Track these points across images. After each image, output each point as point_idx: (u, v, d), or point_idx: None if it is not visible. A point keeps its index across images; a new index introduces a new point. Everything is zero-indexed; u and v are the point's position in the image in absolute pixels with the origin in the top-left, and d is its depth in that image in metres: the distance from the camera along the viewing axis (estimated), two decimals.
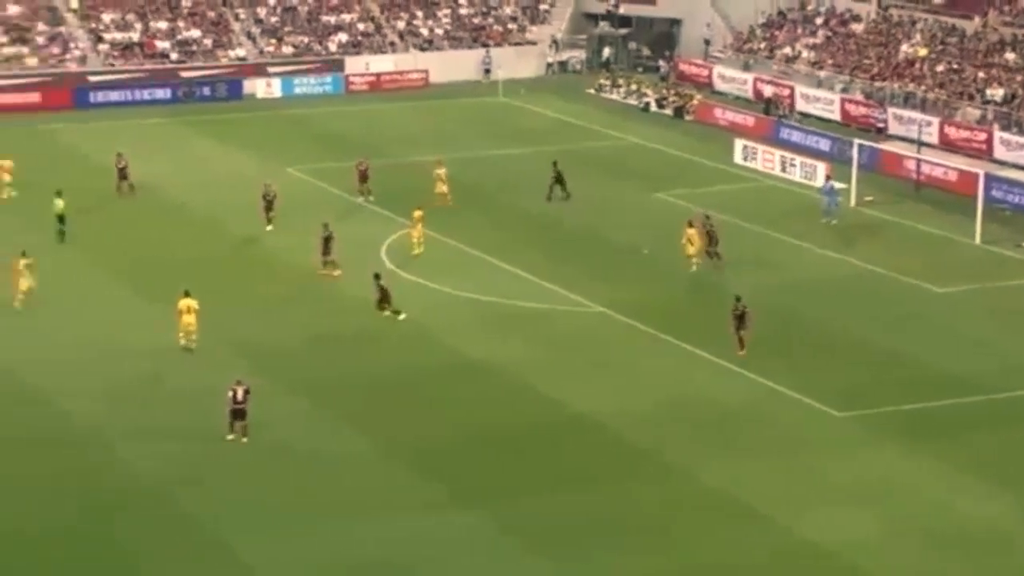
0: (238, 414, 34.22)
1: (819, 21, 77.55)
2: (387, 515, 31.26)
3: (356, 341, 41.20)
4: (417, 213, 48.71)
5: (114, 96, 72.35)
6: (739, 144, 63.50)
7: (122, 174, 55.05)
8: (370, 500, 32.00)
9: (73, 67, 73.43)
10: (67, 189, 51.14)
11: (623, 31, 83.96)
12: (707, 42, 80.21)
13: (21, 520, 30.88)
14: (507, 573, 29.27)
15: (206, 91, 73.97)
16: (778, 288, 46.45)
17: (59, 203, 49.74)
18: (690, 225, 47.65)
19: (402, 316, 42.30)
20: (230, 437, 34.28)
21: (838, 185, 55.24)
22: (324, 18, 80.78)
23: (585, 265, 48.45)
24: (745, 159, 62.57)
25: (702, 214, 49.11)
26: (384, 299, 42.39)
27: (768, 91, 72.06)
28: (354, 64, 77.95)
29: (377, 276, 42.96)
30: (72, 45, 74.83)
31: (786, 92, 71.59)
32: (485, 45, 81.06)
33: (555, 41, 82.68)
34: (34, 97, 71.09)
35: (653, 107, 73.57)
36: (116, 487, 32.39)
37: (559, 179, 55.36)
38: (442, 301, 44.71)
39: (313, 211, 52.97)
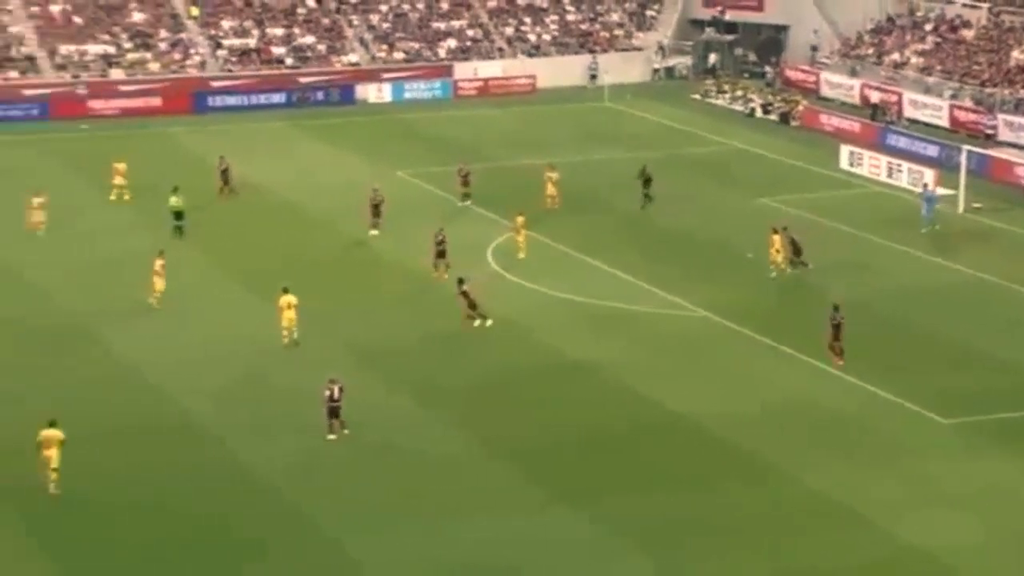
0: (334, 412, 34.44)
1: (928, 27, 76.42)
2: (490, 515, 31.36)
3: (461, 342, 41.36)
4: (520, 219, 48.79)
5: (231, 101, 73.48)
6: (845, 150, 62.77)
7: (224, 177, 55.53)
8: (473, 500, 32.09)
9: (193, 72, 74.66)
10: (182, 190, 51.93)
11: (729, 37, 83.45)
12: (814, 48, 79.43)
13: (140, 507, 31.51)
14: (610, 574, 29.20)
15: (319, 96, 74.78)
16: (883, 294, 45.90)
17: (175, 200, 50.54)
18: (775, 232, 47.19)
19: (489, 322, 42.10)
20: (331, 437, 34.58)
21: (940, 192, 54.42)
22: (434, 24, 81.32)
23: (687, 269, 48.22)
24: (851, 165, 61.86)
25: (782, 224, 48.32)
26: (471, 305, 41.92)
27: (875, 97, 71.17)
28: (463, 69, 78.35)
29: (460, 281, 42.60)
30: (192, 51, 76.10)
31: (894, 98, 70.65)
32: (592, 51, 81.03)
33: (661, 47, 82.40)
34: (155, 101, 72.41)
35: (758, 113, 73.05)
36: (228, 480, 32.87)
37: (646, 183, 55.02)
38: (546, 303, 44.76)
39: (420, 214, 53.40)
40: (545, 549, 29.96)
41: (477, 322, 41.96)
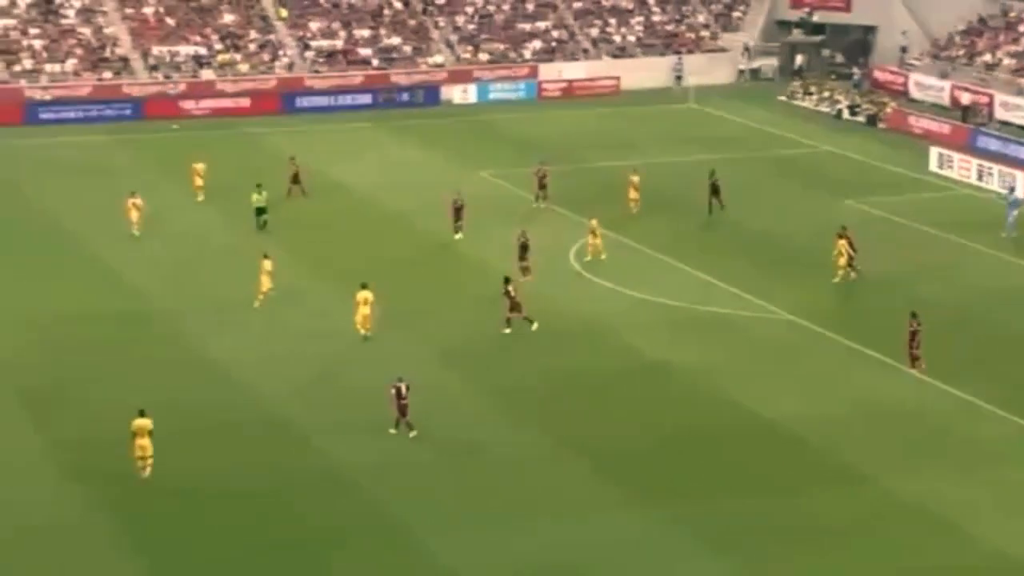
0: (402, 410, 34.23)
1: (1022, 28, 74.73)
2: (566, 515, 31.04)
3: (543, 341, 40.85)
4: (593, 222, 48.15)
5: (318, 101, 73.65)
6: (934, 152, 61.58)
7: (294, 179, 55.29)
8: (549, 500, 31.79)
9: (281, 73, 74.96)
10: (265, 188, 52.09)
11: (817, 38, 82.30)
12: (903, 49, 78.04)
13: (227, 496, 31.56)
14: (679, 570, 28.65)
15: (405, 97, 74.73)
16: (971, 298, 44.89)
17: (257, 197, 50.97)
18: (840, 236, 45.96)
19: (534, 326, 41.14)
20: (392, 431, 34.36)
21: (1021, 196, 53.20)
22: (519, 25, 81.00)
23: (771, 271, 47.51)
24: (940, 167, 60.65)
25: (843, 226, 46.64)
26: (514, 307, 40.98)
27: (966, 98, 69.73)
28: (547, 71, 77.95)
29: (507, 280, 41.68)
30: (281, 52, 76.41)
31: (985, 99, 69.16)
32: (677, 52, 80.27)
33: (747, 48, 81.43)
34: (244, 102, 72.75)
35: (845, 114, 71.90)
36: (307, 473, 32.75)
37: (715, 190, 53.42)
38: (627, 304, 44.20)
39: (503, 214, 53.08)
40: (624, 550, 29.58)
41: (507, 330, 40.93)
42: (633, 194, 54.04)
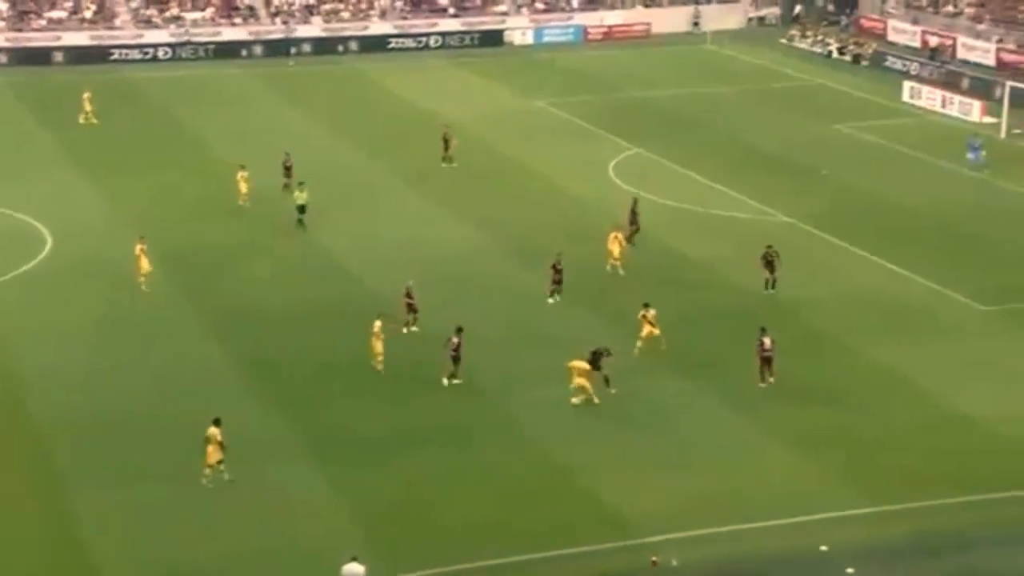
0: (456, 360, 30.88)
1: None
2: (631, 384, 31.50)
3: (595, 242, 40.75)
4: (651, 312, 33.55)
5: (407, 43, 73.37)
6: (907, 85, 60.90)
7: (288, 172, 44.63)
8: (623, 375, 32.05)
9: (375, 19, 74.68)
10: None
11: None
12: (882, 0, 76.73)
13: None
14: (709, 425, 29.15)
15: (476, 38, 74.30)
16: (936, 204, 44.78)
17: (299, 194, 41.67)
18: (614, 228, 38.23)
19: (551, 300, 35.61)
20: (446, 382, 30.90)
21: (986, 120, 52.56)
22: None
23: (775, 182, 47.45)
24: (911, 98, 60.03)
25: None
26: (559, 281, 35.34)
27: (934, 41, 68.69)
28: (591, 18, 77.32)
29: (559, 262, 35.82)
30: (376, 2, 75.98)
31: (949, 42, 68.13)
32: (697, 2, 79.17)
33: None
34: (354, 46, 72.43)
35: (835, 54, 70.98)
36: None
37: (769, 265, 37.02)
38: (653, 207, 44.26)
39: (554, 136, 53.24)
40: (662, 409, 29.96)
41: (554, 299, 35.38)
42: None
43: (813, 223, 42.61)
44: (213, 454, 26.78)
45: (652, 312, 32.35)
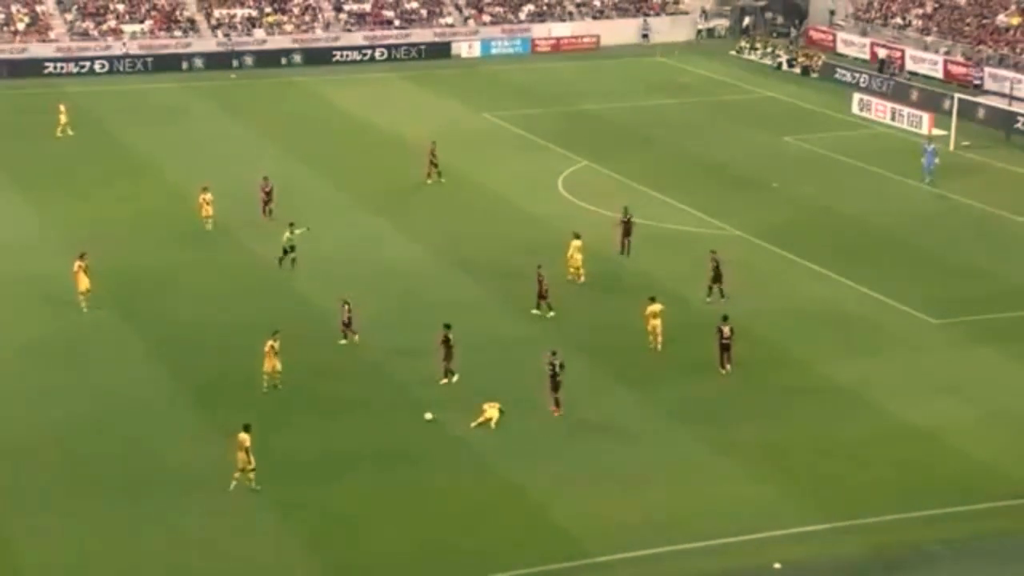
0: (347, 324, 33.46)
1: None
2: (578, 395, 31.46)
3: (538, 256, 40.73)
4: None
5: (350, 55, 73.15)
6: (856, 97, 61.66)
7: (268, 197, 44.00)
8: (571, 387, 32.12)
9: (319, 31, 74.48)
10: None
11: (761, 2, 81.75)
12: (832, 12, 77.70)
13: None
14: (658, 439, 29.22)
15: (422, 51, 74.28)
16: (885, 216, 45.29)
17: (289, 236, 39.63)
18: (576, 237, 38.23)
19: (545, 313, 35.92)
20: (343, 342, 33.47)
21: (935, 132, 53.24)
22: None
23: (724, 196, 47.79)
24: (861, 110, 60.77)
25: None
26: (542, 295, 35.78)
27: (882, 53, 69.65)
28: (539, 30, 77.54)
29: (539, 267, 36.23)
30: (319, 14, 75.79)
31: (898, 54, 69.13)
32: (646, 15, 79.76)
33: (704, 11, 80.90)
34: (292, 57, 72.24)
35: (784, 67, 71.75)
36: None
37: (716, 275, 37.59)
38: (602, 222, 44.32)
39: (502, 149, 53.27)
40: (608, 429, 30.05)
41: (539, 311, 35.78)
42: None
43: (763, 236, 42.93)
44: (243, 460, 26.78)
45: (657, 307, 33.30)
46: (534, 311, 36.03)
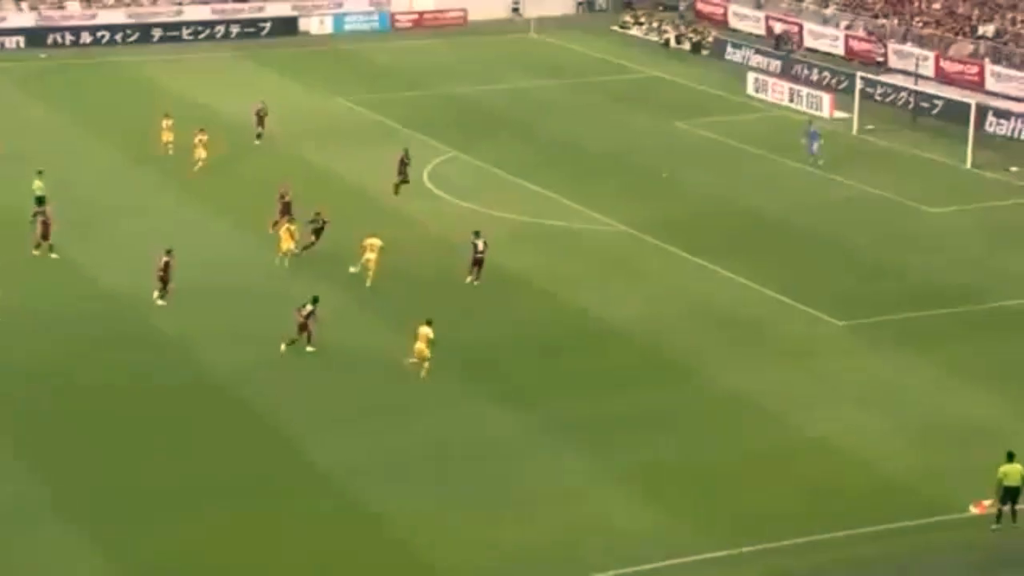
0: (163, 280, 36.55)
1: None
2: (438, 414, 31.45)
3: (400, 255, 40.61)
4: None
5: (185, 33, 72.01)
6: (751, 77, 62.85)
7: (260, 121, 50.92)
8: (423, 400, 32.10)
9: (147, 6, 72.99)
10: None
11: None
12: None
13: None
14: (545, 466, 29.41)
15: (266, 28, 73.37)
16: (784, 208, 46.17)
17: (38, 183, 42.38)
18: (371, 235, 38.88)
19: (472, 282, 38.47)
20: (160, 303, 36.38)
21: (837, 115, 54.53)
22: None
23: (609, 188, 48.24)
24: (757, 91, 61.96)
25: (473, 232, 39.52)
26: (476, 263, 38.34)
27: (778, 28, 71.16)
28: (399, 3, 77.27)
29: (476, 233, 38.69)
30: None
31: (795, 29, 70.71)
32: None
33: None
34: (115, 35, 70.83)
35: (672, 43, 72.79)
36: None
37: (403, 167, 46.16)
38: (480, 221, 44.37)
39: (359, 139, 52.96)
40: (484, 445, 30.10)
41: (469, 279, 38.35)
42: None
43: (651, 231, 43.40)
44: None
45: (425, 330, 33.01)
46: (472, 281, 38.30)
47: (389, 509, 27.44)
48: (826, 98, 58.58)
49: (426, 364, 32.71)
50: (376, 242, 38.66)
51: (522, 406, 31.83)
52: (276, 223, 41.09)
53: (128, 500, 27.63)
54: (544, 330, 36.09)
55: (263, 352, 34.02)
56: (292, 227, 39.87)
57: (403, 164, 46.51)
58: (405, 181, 46.26)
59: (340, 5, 75.42)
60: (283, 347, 34.04)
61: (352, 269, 38.88)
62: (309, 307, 34.14)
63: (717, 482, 28.75)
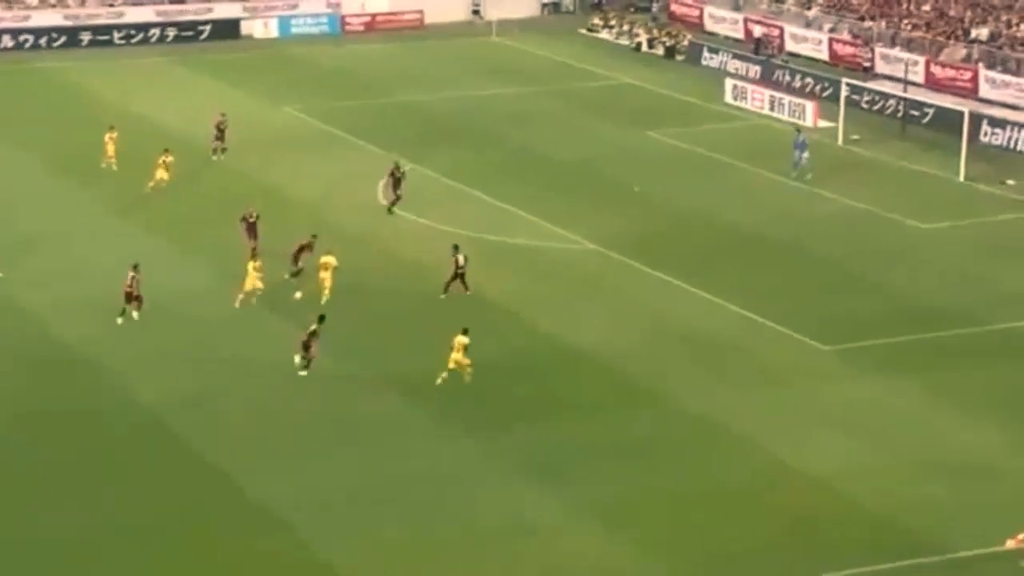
0: (130, 296, 37.38)
1: None
2: (386, 446, 31.59)
3: (347, 276, 40.93)
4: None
5: (115, 36, 72.03)
6: (729, 83, 63.40)
7: (220, 136, 51.62)
8: (369, 430, 32.21)
9: (74, 8, 72.99)
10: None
11: None
12: None
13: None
14: (505, 498, 29.55)
15: (205, 31, 73.49)
16: (764, 223, 46.57)
17: None
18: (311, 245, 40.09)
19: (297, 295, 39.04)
20: (120, 320, 37.20)
21: (821, 124, 55.03)
22: None
23: (576, 202, 48.52)
24: (735, 99, 62.51)
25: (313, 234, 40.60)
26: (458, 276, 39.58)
27: (758, 31, 71.83)
28: (350, 4, 77.55)
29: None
30: None
31: (775, 32, 71.40)
32: None
33: None
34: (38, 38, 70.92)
35: (644, 47, 73.35)
36: None
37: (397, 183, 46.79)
38: (435, 236, 44.61)
39: (307, 151, 53.10)
40: (439, 479, 30.23)
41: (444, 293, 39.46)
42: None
43: (622, 249, 43.69)
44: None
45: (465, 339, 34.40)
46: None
47: (338, 546, 27.48)
48: (809, 106, 59.18)
49: (468, 369, 33.93)
50: (331, 260, 38.77)
51: (482, 435, 31.97)
52: (254, 250, 40.15)
53: (35, 551, 27.50)
54: (508, 355, 36.24)
55: (201, 380, 34.04)
56: (258, 263, 38.71)
57: (395, 180, 46.32)
58: (399, 198, 46.11)
59: (295, 7, 75.57)
60: (297, 359, 34.79)
61: (297, 295, 38.96)
62: (313, 326, 34.39)
63: (691, 517, 28.94)
